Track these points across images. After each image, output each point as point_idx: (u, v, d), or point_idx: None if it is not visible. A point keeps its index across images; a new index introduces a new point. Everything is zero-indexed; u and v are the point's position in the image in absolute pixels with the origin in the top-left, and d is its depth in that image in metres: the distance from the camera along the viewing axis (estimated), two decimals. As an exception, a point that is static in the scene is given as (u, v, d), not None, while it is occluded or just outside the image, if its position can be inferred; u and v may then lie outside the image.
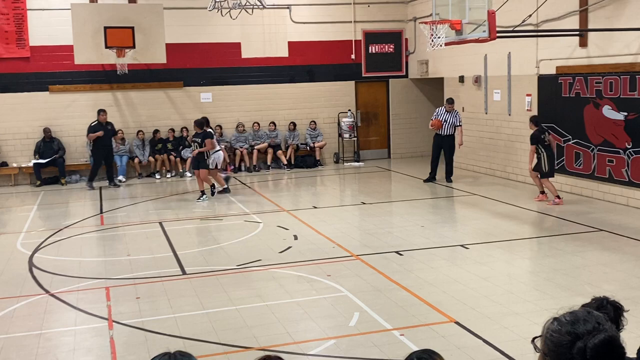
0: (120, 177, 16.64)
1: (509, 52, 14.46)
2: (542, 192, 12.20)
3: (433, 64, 17.97)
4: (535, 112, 13.53)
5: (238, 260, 8.92)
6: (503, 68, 14.77)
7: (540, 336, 2.01)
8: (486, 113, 15.66)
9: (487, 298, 7.11)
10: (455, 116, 14.78)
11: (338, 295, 7.35)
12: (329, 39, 18.51)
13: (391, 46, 19.10)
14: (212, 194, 13.46)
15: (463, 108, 16.21)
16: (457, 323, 6.39)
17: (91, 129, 15.63)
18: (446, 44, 10.97)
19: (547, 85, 13.38)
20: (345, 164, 18.55)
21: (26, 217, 12.57)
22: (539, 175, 12.00)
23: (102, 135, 15.55)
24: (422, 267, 8.38)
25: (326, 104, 18.73)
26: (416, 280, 7.81)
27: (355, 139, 18.81)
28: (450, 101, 14.94)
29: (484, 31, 10.31)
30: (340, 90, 18.75)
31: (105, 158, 15.85)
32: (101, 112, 15.80)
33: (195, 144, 13.43)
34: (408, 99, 19.39)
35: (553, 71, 13.17)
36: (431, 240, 9.78)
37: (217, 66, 17.70)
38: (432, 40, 10.80)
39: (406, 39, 19.12)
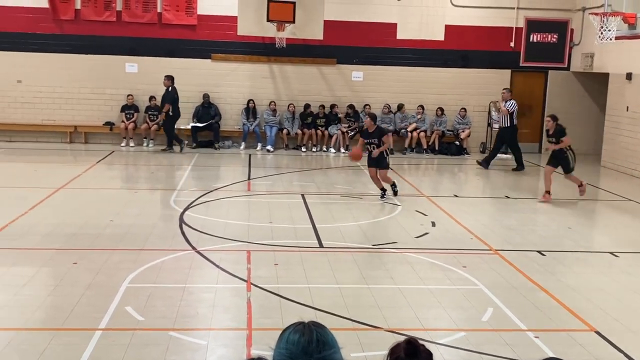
0: (269, 147, 17.25)
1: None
2: (548, 192, 11.80)
3: (599, 58, 16.87)
4: None
5: (374, 239, 8.98)
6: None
7: None
8: (654, 114, 14.50)
9: (634, 311, 6.66)
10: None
11: (472, 288, 7.19)
12: (488, 25, 17.93)
13: (554, 36, 18.15)
14: (395, 193, 11.58)
15: (627, 107, 15.13)
16: (598, 333, 6.04)
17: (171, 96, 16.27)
18: (616, 38, 10.26)
19: None
20: (491, 154, 17.96)
21: (181, 177, 13.40)
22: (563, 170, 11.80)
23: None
24: (565, 270, 7.99)
25: (478, 92, 18.21)
26: (557, 283, 7.46)
27: (506, 130, 18.12)
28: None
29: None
30: (494, 79, 18.13)
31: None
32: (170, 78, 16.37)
33: (373, 145, 11.34)
34: (567, 93, 18.38)
35: None
36: (577, 243, 9.28)
37: (371, 46, 17.73)
38: (602, 33, 10.18)
39: (572, 30, 18.08)
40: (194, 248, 8.26)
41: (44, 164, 14.44)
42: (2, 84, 16.95)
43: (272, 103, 17.50)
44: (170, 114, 16.25)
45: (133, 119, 17.17)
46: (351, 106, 17.73)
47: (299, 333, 2.13)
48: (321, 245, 8.64)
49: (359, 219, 10.19)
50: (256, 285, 6.96)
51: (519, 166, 15.53)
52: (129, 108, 17.24)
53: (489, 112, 18.15)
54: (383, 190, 11.59)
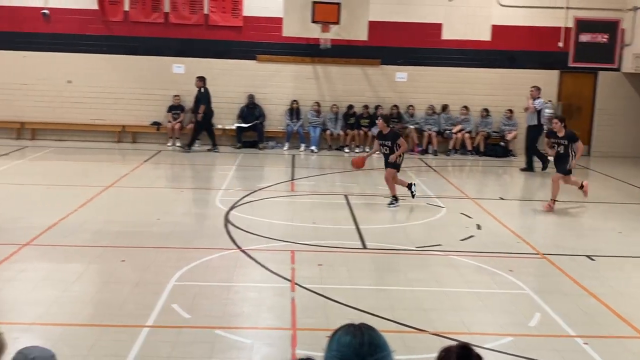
0: (312, 148, 17.30)
1: None
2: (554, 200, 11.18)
3: (651, 58, 16.43)
4: None
5: (417, 242, 8.91)
6: None
7: None
8: None
9: (689, 320, 6.45)
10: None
11: (519, 292, 7.07)
12: (536, 25, 17.63)
13: (605, 36, 17.74)
14: (413, 196, 11.16)
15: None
16: (651, 342, 5.88)
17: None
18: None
19: None
20: (538, 157, 17.65)
21: (226, 176, 13.53)
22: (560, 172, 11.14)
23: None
24: (616, 275, 7.80)
25: (525, 93, 17.85)
26: (608, 288, 7.28)
27: (553, 131, 17.80)
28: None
29: None
30: (542, 79, 17.77)
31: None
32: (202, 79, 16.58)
33: (385, 147, 11.00)
34: (618, 94, 17.95)
35: None
36: (629, 248, 9.05)
37: (416, 46, 17.62)
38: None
39: (622, 30, 17.65)
40: (239, 247, 8.33)
41: (93, 162, 14.76)
42: (53, 84, 17.39)
43: (316, 104, 17.55)
44: (201, 113, 16.49)
45: (179, 119, 17.41)
46: (396, 107, 17.66)
47: (350, 335, 2.12)
48: (365, 247, 8.62)
49: (402, 221, 10.13)
50: (300, 285, 6.98)
51: (528, 167, 15.27)
52: (176, 108, 17.49)
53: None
54: (394, 197, 10.98)
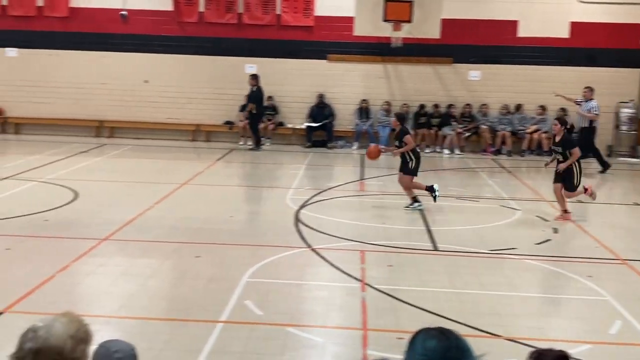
0: (382, 147, 17.19)
1: None
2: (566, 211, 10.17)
3: None
4: None
5: (491, 245, 8.72)
6: None
7: None
8: None
9: None
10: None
11: (598, 298, 6.82)
12: (617, 21, 16.98)
13: (691, 32, 16.91)
14: (434, 199, 10.58)
15: None
16: None
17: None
18: None
19: None
20: (618, 158, 17.01)
21: (295, 175, 13.64)
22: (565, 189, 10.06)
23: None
24: (703, 284, 7.41)
25: (605, 92, 17.23)
26: (694, 298, 6.93)
27: (635, 132, 17.11)
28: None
29: None
30: (624, 78, 17.15)
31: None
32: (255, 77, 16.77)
33: (395, 146, 10.78)
34: None
35: None
36: None
37: (490, 44, 17.28)
38: None
39: None
40: (309, 246, 8.37)
41: (168, 160, 15.16)
42: (130, 84, 17.95)
43: (386, 103, 17.46)
44: (254, 112, 16.63)
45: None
46: (468, 105, 17.39)
47: (435, 339, 2.09)
48: (436, 249, 8.51)
49: (475, 223, 9.94)
50: (370, 286, 6.95)
51: (603, 167, 14.83)
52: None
53: (617, 113, 17.18)
54: (413, 199, 10.55)
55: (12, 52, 18.07)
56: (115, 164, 14.45)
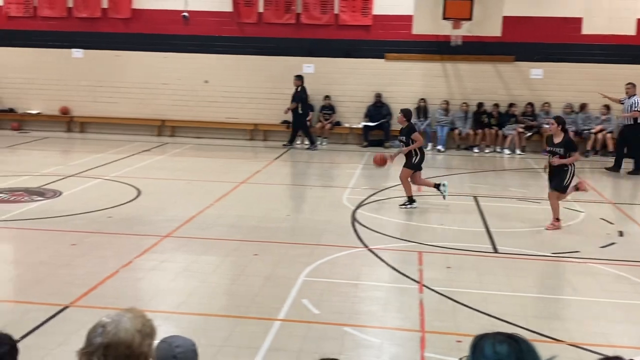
0: (440, 147, 17.04)
1: None
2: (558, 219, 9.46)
3: None
4: None
5: (554, 247, 8.51)
6: None
7: None
8: None
9: None
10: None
11: (667, 305, 6.58)
12: (688, 17, 16.32)
13: None
14: (444, 197, 10.59)
15: None
16: None
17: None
18: None
19: None
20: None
21: (352, 175, 13.62)
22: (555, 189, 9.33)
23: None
24: None
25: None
26: None
27: None
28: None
29: None
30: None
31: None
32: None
33: (401, 142, 10.80)
34: None
35: None
36: None
37: (553, 41, 16.87)
38: None
39: None
40: (366, 246, 8.35)
41: (227, 159, 15.39)
42: (191, 84, 18.29)
43: (445, 102, 17.26)
44: (300, 112, 16.69)
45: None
46: (530, 105, 17.03)
47: (505, 344, 2.06)
48: (496, 251, 8.36)
49: (537, 225, 9.72)
50: (428, 287, 6.89)
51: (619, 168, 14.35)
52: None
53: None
54: (409, 198, 10.47)
55: (78, 53, 18.66)
56: (176, 162, 14.75)
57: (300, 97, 16.84)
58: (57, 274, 7.02)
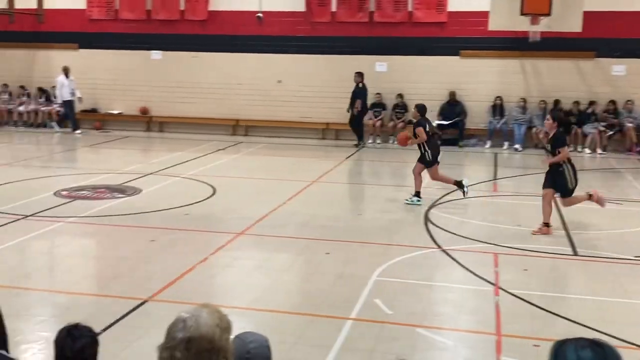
0: (517, 146, 16.62)
1: None
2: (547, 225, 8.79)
3: None
4: None
5: (637, 250, 8.15)
6: None
7: None
8: None
9: None
10: None
11: None
12: None
13: None
14: (464, 194, 10.60)
15: None
16: None
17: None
18: None
19: None
20: None
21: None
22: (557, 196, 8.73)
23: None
24: None
25: None
26: None
27: None
28: None
29: None
30: None
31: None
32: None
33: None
34: None
35: None
36: None
37: (636, 37, 16.16)
38: None
39: None
40: (439, 246, 8.23)
41: (300, 158, 15.50)
42: (265, 84, 18.52)
43: (522, 100, 16.83)
44: (359, 109, 16.65)
45: (380, 117, 17.65)
46: (612, 102, 16.39)
47: (588, 349, 1.98)
48: (575, 253, 8.08)
49: (620, 227, 9.34)
50: (504, 290, 6.72)
51: None
52: (377, 106, 17.75)
53: None
54: (416, 193, 10.48)
55: (157, 54, 19.22)
56: (250, 161, 14.97)
57: (362, 93, 16.80)
58: (136, 269, 7.25)
